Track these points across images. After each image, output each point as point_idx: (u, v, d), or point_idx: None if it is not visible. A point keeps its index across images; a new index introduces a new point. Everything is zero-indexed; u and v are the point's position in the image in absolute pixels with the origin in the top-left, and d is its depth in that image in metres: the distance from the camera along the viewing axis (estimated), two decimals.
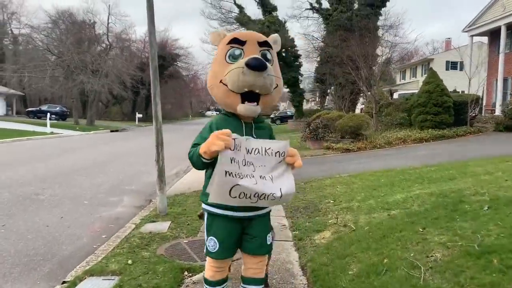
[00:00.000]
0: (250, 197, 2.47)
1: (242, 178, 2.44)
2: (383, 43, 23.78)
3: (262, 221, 2.82)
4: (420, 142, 15.05)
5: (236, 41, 2.63)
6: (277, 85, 2.68)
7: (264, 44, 2.67)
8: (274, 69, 2.65)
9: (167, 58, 52.87)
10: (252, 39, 2.65)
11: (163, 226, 5.74)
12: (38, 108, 43.21)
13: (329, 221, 5.60)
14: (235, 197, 2.46)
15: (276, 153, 2.55)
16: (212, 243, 2.74)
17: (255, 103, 2.57)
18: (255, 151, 2.51)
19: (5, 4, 49.50)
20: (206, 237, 2.81)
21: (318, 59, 35.02)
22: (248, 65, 2.45)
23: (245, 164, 2.47)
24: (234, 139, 2.44)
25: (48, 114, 30.37)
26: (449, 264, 3.45)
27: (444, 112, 15.91)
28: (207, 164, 2.53)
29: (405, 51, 27.22)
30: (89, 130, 31.61)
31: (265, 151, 2.53)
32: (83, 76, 34.53)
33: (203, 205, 2.80)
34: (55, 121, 35.90)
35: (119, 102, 56.56)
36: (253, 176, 2.47)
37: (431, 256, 3.67)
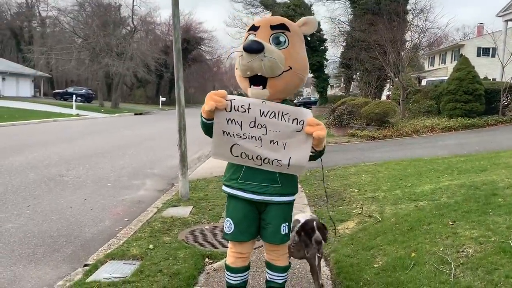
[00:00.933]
0: (252, 158, 2.53)
1: (244, 139, 2.49)
2: (412, 28, 23.03)
3: (279, 209, 2.74)
4: (449, 131, 14.60)
5: (252, 28, 2.65)
6: (290, 67, 2.56)
7: (277, 27, 2.59)
8: (289, 51, 2.56)
9: (191, 42, 52.91)
10: (266, 24, 2.61)
11: (184, 211, 5.71)
12: (64, 90, 43.97)
13: (354, 211, 5.46)
14: (237, 156, 2.53)
15: (294, 119, 2.49)
16: (228, 224, 2.78)
17: (261, 87, 2.55)
18: (270, 114, 2.49)
19: None
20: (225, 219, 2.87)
21: (344, 43, 34.29)
22: (244, 48, 2.45)
23: (255, 126, 2.49)
24: (231, 100, 2.48)
25: (74, 96, 30.87)
26: (482, 260, 3.28)
27: (475, 100, 15.34)
28: (209, 127, 2.57)
29: (434, 37, 26.28)
30: (113, 113, 32.02)
31: (282, 115, 2.49)
32: (108, 59, 34.87)
33: (223, 186, 2.83)
34: (81, 103, 36.52)
35: (143, 85, 57.06)
36: (260, 139, 2.49)
37: (462, 252, 3.50)
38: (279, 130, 2.48)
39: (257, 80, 2.53)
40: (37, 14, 52.00)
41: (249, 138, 2.48)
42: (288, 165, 2.51)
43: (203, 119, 2.58)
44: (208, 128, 2.59)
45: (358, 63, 28.18)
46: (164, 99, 48.17)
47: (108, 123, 22.86)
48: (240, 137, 2.48)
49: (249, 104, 2.47)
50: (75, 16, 39.77)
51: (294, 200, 2.81)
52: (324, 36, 33.83)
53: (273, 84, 2.52)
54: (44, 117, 22.87)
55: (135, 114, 34.08)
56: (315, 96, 48.40)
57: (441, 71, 39.80)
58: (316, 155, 2.58)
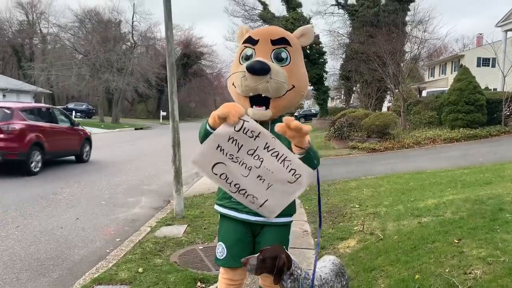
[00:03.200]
0: (231, 184, 2.27)
1: (235, 162, 2.22)
2: (411, 39, 22.98)
3: (275, 231, 2.54)
4: (451, 142, 14.39)
5: (249, 40, 2.45)
6: (293, 86, 2.41)
7: (279, 42, 2.41)
8: (291, 68, 2.40)
9: (191, 56, 53.12)
10: (265, 37, 2.42)
11: (178, 230, 5.50)
12: (65, 106, 43.98)
13: (354, 228, 5.24)
14: (217, 174, 2.26)
15: (292, 170, 2.21)
16: (220, 249, 2.58)
17: (264, 107, 2.37)
18: (273, 152, 2.21)
19: (34, 4, 50.69)
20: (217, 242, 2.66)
21: (344, 56, 34.31)
22: (248, 69, 2.26)
23: (253, 155, 2.21)
24: (244, 120, 2.18)
25: (74, 112, 30.81)
26: (491, 283, 3.06)
27: (477, 111, 15.16)
28: (207, 136, 2.29)
29: (434, 48, 26.21)
30: (114, 128, 31.91)
31: (283, 160, 2.21)
32: (109, 74, 34.93)
33: (215, 205, 2.65)
34: (81, 119, 36.42)
35: (144, 100, 57.16)
36: (250, 169, 2.23)
37: (470, 273, 3.28)
38: (273, 170, 2.23)
39: (259, 100, 2.35)
40: (38, 31, 52.35)
41: (239, 163, 2.25)
42: (260, 205, 2.29)
43: (207, 126, 2.28)
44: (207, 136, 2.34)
45: (357, 75, 28.13)
46: (164, 113, 48.07)
47: (107, 139, 22.70)
48: (232, 159, 2.25)
49: (259, 133, 2.21)
50: (76, 32, 40.01)
51: (291, 221, 2.62)
52: (324, 49, 33.86)
53: (276, 104, 2.37)
54: None
55: (136, 129, 33.97)
56: (315, 108, 48.29)
57: (441, 81, 39.71)
58: (306, 156, 2.21)
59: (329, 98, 44.48)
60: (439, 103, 16.99)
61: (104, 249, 5.06)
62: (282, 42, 2.41)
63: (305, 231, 5.46)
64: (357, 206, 6.29)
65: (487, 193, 5.57)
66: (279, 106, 2.40)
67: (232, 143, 2.22)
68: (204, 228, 5.61)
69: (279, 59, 2.37)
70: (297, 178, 2.21)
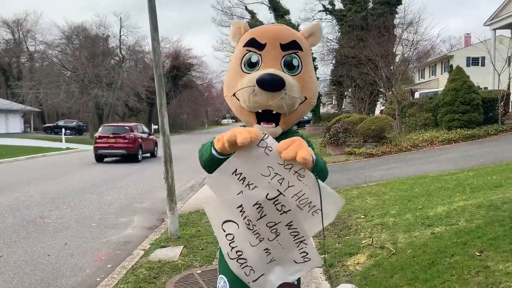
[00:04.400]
0: (232, 248, 1.86)
1: (249, 229, 1.82)
2: (402, 41, 22.86)
3: None
4: (449, 143, 14.14)
5: (254, 43, 2.03)
6: (305, 98, 2.06)
7: (289, 46, 2.03)
8: (302, 77, 2.04)
9: (180, 68, 52.76)
10: (274, 41, 2.02)
11: (174, 252, 5.13)
12: (55, 124, 43.41)
13: (363, 242, 4.89)
14: (224, 231, 1.84)
15: (303, 252, 1.86)
16: (222, 283, 2.19)
17: (273, 124, 2.01)
18: (292, 230, 1.85)
19: (20, 22, 50.24)
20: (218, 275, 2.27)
21: (334, 61, 34.21)
22: (259, 84, 1.88)
23: (272, 227, 1.84)
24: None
25: (63, 129, 30.33)
26: None
27: (473, 110, 14.95)
28: (212, 162, 1.90)
29: (425, 49, 26.12)
30: None
31: (300, 241, 1.85)
32: (98, 89, 34.49)
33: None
34: (72, 136, 35.90)
35: (135, 114, 56.52)
36: (261, 240, 1.84)
37: None
38: (284, 246, 1.88)
39: (269, 116, 1.99)
40: (25, 49, 51.84)
41: (253, 231, 1.85)
42: (254, 280, 1.91)
43: (213, 151, 1.88)
44: (213, 163, 1.92)
45: (349, 80, 27.98)
46: (156, 126, 47.46)
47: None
48: (248, 224, 1.85)
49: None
50: (63, 49, 39.59)
51: None
52: (313, 55, 33.73)
53: (287, 119, 2.04)
54: (32, 152, 22.23)
55: None
56: (308, 115, 48.16)
57: (432, 83, 39.79)
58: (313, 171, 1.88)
59: (321, 104, 44.38)
60: (433, 104, 16.78)
61: (95, 277, 4.68)
62: (293, 46, 2.04)
63: None
64: (362, 216, 5.95)
65: (500, 197, 5.26)
66: (289, 121, 2.06)
67: (254, 207, 1.82)
68: (202, 249, 5.24)
69: (290, 68, 2.01)
70: (305, 261, 1.87)
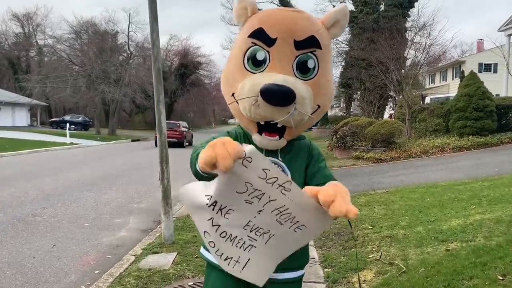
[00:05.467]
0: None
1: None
2: (414, 45, 22.39)
3: None
4: (460, 151, 13.67)
5: (262, 36, 1.63)
6: (318, 106, 1.70)
7: (306, 44, 1.63)
8: (318, 82, 1.67)
9: (189, 66, 52.68)
10: (287, 36, 1.61)
11: (166, 259, 4.78)
12: (61, 118, 43.36)
13: (370, 256, 4.51)
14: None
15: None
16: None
17: (277, 137, 1.66)
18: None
19: (30, 16, 50.36)
20: None
21: (343, 63, 33.77)
22: (264, 96, 1.53)
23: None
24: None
25: (68, 124, 30.25)
26: None
27: (486, 117, 14.45)
28: (200, 177, 1.60)
29: (439, 52, 25.58)
30: (110, 140, 31.22)
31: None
32: (105, 85, 34.32)
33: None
34: (77, 131, 35.80)
35: (142, 111, 56.54)
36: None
37: None
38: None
39: (272, 127, 1.65)
40: (35, 43, 51.95)
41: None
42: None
43: (197, 166, 1.55)
44: (199, 178, 1.64)
45: (358, 83, 27.53)
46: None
47: (102, 151, 22.01)
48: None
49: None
50: (72, 44, 39.50)
51: (303, 274, 1.91)
52: None
53: (293, 132, 1.70)
54: (36, 146, 22.03)
55: (132, 140, 33.28)
56: None
57: (442, 88, 39.22)
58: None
59: None
60: (445, 110, 16.31)
61: (79, 284, 4.34)
62: (310, 44, 1.64)
63: (312, 258, 4.73)
64: (369, 227, 5.57)
65: None
66: (296, 133, 1.72)
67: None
68: (196, 257, 4.88)
69: (303, 71, 1.64)
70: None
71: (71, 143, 26.02)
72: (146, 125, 56.05)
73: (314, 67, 1.65)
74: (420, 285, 3.45)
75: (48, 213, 7.39)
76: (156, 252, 5.06)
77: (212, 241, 1.60)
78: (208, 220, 1.55)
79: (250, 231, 1.56)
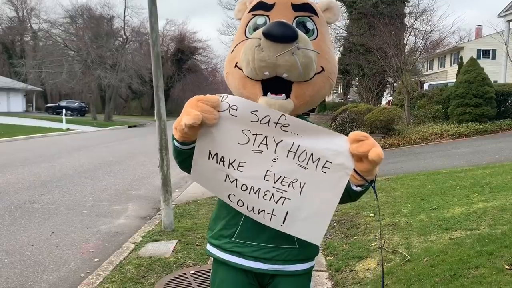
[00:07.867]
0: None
1: (239, 166, 1.53)
2: (413, 31, 22.17)
3: (293, 282, 1.77)
4: (459, 138, 13.62)
5: (261, 6, 1.67)
6: (322, 68, 1.63)
7: (302, 8, 1.65)
8: (319, 44, 1.63)
9: (185, 52, 52.26)
10: (284, 1, 1.65)
11: (167, 247, 4.73)
12: (57, 104, 43.02)
13: (373, 244, 4.47)
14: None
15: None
16: None
17: (283, 95, 1.59)
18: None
19: (24, 0, 49.55)
20: None
21: (341, 49, 33.46)
22: (267, 33, 1.47)
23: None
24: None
25: (64, 110, 30.04)
26: None
27: (486, 104, 14.38)
28: (186, 155, 1.60)
29: (439, 39, 25.33)
30: (106, 126, 31.05)
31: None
32: (100, 70, 33.98)
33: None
34: (73, 117, 35.57)
35: (138, 97, 56.28)
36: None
37: None
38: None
39: (276, 85, 1.58)
40: (29, 27, 51.25)
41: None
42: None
43: (175, 143, 1.58)
44: (184, 157, 1.60)
45: (356, 69, 27.34)
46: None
47: (98, 137, 21.87)
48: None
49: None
50: (66, 28, 38.99)
51: (313, 266, 1.85)
52: None
53: (300, 91, 1.62)
54: (32, 132, 21.88)
55: (129, 126, 33.13)
56: None
57: (441, 74, 39.06)
58: (365, 189, 1.65)
59: None
60: (444, 96, 16.22)
61: (79, 272, 4.29)
62: (306, 8, 1.66)
63: None
64: (371, 215, 5.52)
65: None
66: (303, 95, 1.62)
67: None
68: (197, 245, 4.84)
69: (303, 31, 1.60)
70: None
71: (67, 129, 25.85)
72: (143, 111, 55.88)
73: (313, 29, 1.66)
74: (426, 274, 3.41)
75: (46, 200, 7.31)
76: (156, 240, 5.01)
77: (240, 199, 1.56)
78: (224, 181, 1.54)
79: (275, 182, 1.52)
